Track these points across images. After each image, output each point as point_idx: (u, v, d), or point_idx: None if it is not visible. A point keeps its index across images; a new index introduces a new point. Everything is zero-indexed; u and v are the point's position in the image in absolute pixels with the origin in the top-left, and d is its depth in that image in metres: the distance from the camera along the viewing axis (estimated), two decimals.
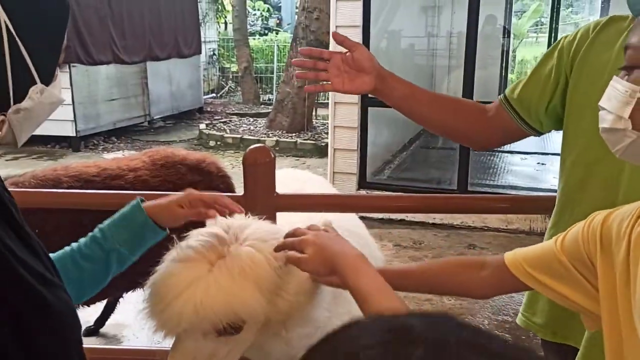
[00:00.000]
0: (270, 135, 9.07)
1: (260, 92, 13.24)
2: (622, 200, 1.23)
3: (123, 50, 9.49)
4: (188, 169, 2.80)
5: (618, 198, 1.31)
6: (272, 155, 1.68)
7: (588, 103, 1.34)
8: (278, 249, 1.19)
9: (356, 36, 5.37)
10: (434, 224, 5.50)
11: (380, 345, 0.49)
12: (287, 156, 8.18)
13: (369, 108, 5.59)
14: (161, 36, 10.41)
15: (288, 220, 1.71)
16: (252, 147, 1.68)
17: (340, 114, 5.66)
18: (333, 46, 5.54)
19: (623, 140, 0.98)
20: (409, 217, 5.54)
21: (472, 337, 0.51)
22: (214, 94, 14.36)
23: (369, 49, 5.33)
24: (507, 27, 9.49)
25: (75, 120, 8.46)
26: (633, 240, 0.92)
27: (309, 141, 8.73)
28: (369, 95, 5.54)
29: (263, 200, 1.69)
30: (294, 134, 9.04)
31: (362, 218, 5.77)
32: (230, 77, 15.12)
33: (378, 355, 0.48)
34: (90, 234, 1.24)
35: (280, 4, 22.65)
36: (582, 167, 1.41)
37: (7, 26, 0.80)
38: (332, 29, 5.54)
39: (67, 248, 1.21)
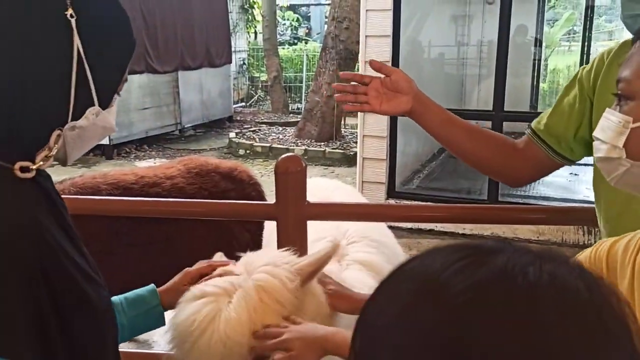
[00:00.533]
0: (299, 144, 9.11)
1: (289, 102, 13.33)
2: None
3: (156, 60, 9.67)
4: (221, 177, 2.85)
5: None
6: (304, 165, 1.70)
7: None
8: (260, 350, 1.14)
9: (386, 46, 5.39)
10: (463, 234, 5.45)
11: (459, 261, 0.49)
12: (315, 165, 8.21)
13: (398, 117, 5.58)
14: (193, 46, 10.58)
15: (317, 229, 1.72)
16: (283, 156, 1.71)
17: (369, 123, 5.66)
18: (362, 55, 5.57)
19: (618, 168, 0.99)
20: (439, 227, 5.51)
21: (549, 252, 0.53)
22: (243, 103, 14.51)
23: (398, 59, 5.30)
24: (538, 35, 9.38)
25: None
26: (637, 269, 0.92)
27: (337, 150, 8.75)
28: None
29: (294, 208, 1.71)
30: (322, 143, 9.07)
31: (390, 227, 5.78)
32: (260, 86, 15.26)
33: (458, 271, 0.49)
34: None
35: (309, 14, 22.79)
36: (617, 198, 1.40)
37: (78, 50, 0.86)
38: (361, 38, 5.56)
39: None
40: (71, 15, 0.85)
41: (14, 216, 0.82)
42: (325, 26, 10.73)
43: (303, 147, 8.86)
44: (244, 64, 15.37)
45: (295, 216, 1.71)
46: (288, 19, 20.23)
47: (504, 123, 5.37)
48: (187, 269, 1.33)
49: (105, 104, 0.94)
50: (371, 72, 5.05)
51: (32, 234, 0.82)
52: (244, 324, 1.13)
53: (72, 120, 0.90)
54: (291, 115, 12.42)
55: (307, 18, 22.49)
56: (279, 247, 1.77)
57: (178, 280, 1.30)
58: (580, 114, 1.46)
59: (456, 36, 8.79)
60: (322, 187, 2.19)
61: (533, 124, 1.55)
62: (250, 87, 15.43)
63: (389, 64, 5.39)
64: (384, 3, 5.35)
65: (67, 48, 0.86)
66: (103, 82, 0.92)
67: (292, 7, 21.26)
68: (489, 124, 5.61)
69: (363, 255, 1.63)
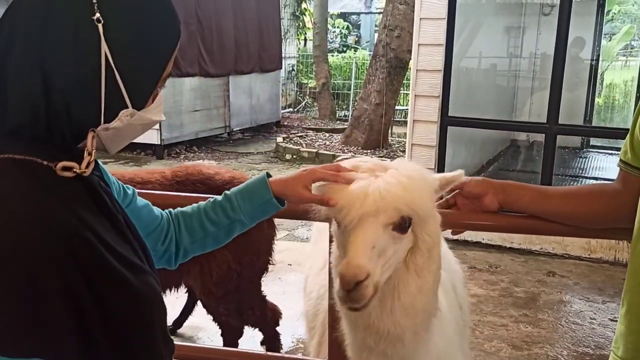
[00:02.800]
0: (346, 150, 9.12)
1: (337, 108, 13.37)
2: None
3: (210, 64, 9.86)
4: (208, 188, 2.70)
5: None
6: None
7: None
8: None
9: (438, 55, 5.35)
10: (511, 248, 5.34)
11: None
12: None
13: (449, 127, 5.53)
14: (246, 51, 10.74)
15: None
16: (339, 158, 1.71)
17: (418, 131, 5.62)
18: (415, 64, 5.54)
19: None
20: (485, 239, 5.41)
21: None
22: (291, 109, 14.63)
23: (450, 68, 5.24)
24: (596, 49, 9.14)
25: (160, 129, 8.84)
26: None
27: (384, 158, 8.72)
28: (449, 114, 5.49)
29: None
30: (369, 151, 9.05)
31: None
32: (308, 92, 15.36)
33: None
34: (214, 199, 1.33)
35: (359, 22, 22.83)
36: None
37: (106, 56, 0.88)
38: (414, 47, 5.54)
39: (193, 208, 1.32)
40: (98, 20, 0.86)
41: (47, 216, 0.83)
42: (376, 34, 10.72)
43: (349, 154, 8.87)
44: (292, 70, 15.50)
45: None
46: (338, 27, 20.33)
47: (558, 136, 5.24)
48: (312, 168, 1.37)
49: (140, 105, 0.95)
50: (421, 81, 4.94)
51: (67, 230, 0.83)
52: (398, 185, 1.25)
53: (104, 122, 0.92)
54: (338, 122, 12.45)
55: (357, 26, 22.53)
56: (331, 247, 1.78)
57: (302, 180, 1.33)
58: None
59: (509, 47, 8.65)
60: None
61: (621, 156, 1.54)
62: (299, 93, 15.55)
63: (441, 73, 5.37)
64: (438, 12, 5.32)
65: (95, 52, 0.88)
66: (136, 85, 0.93)
67: (343, 15, 21.35)
68: (542, 136, 5.50)
69: None
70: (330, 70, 13.67)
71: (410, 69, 6.90)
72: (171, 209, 1.32)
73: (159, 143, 9.02)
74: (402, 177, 1.27)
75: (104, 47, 0.87)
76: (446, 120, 5.47)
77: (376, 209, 1.23)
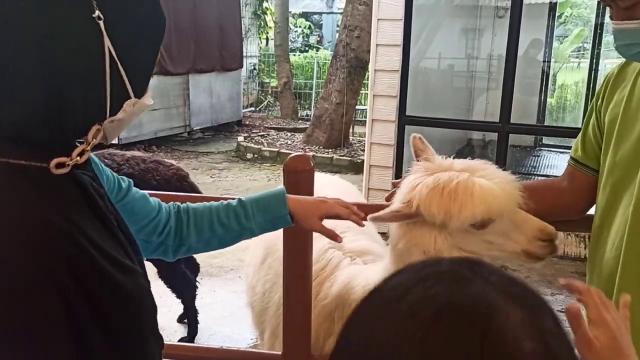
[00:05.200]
0: (307, 150, 9.18)
1: (299, 108, 13.41)
2: None
3: (169, 62, 9.76)
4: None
5: None
6: (312, 164, 1.76)
7: (609, 138, 1.47)
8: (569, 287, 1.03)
9: (396, 55, 5.46)
10: None
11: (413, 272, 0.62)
12: (323, 171, 8.22)
13: (406, 126, 5.64)
14: (206, 50, 10.67)
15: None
16: (292, 155, 1.77)
17: (377, 131, 5.72)
18: (373, 64, 5.64)
19: None
20: None
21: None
22: (252, 108, 14.60)
23: (408, 68, 5.36)
24: (548, 51, 9.44)
25: None
26: None
27: (345, 157, 8.81)
28: (407, 114, 5.61)
29: None
30: (330, 150, 9.13)
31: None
32: (270, 91, 15.36)
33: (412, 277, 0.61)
34: (228, 202, 1.36)
35: (321, 22, 22.92)
36: (609, 193, 1.49)
37: (110, 52, 0.89)
38: (372, 48, 5.63)
39: (205, 207, 1.33)
40: (98, 17, 0.87)
41: (41, 222, 0.82)
42: (337, 34, 10.82)
43: (311, 153, 8.92)
44: (254, 69, 15.47)
45: None
46: (300, 26, 20.36)
47: (510, 136, 5.41)
48: (331, 203, 1.44)
49: (141, 93, 0.97)
50: (379, 81, 5.03)
51: (61, 236, 0.83)
52: (501, 183, 1.48)
53: (110, 115, 0.93)
54: (300, 121, 12.49)
55: (319, 26, 22.61)
56: (285, 243, 1.83)
57: (315, 206, 1.41)
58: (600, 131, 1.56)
59: (466, 48, 8.86)
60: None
61: (572, 154, 1.64)
62: (260, 92, 15.53)
63: (399, 73, 5.48)
64: (395, 13, 5.42)
65: (98, 48, 0.88)
66: (137, 74, 0.95)
67: (305, 15, 21.40)
68: (495, 135, 5.68)
69: (358, 244, 1.91)
70: (292, 70, 13.69)
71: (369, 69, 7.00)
72: (180, 203, 1.34)
73: (117, 143, 8.89)
74: (502, 172, 1.55)
75: (107, 42, 0.88)
76: (404, 120, 5.59)
77: (517, 190, 1.50)
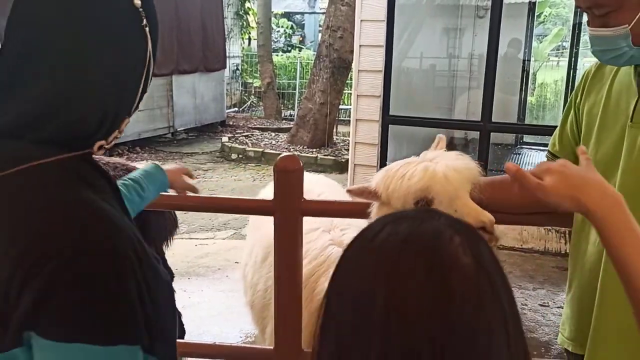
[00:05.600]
0: (292, 150, 9.23)
1: (283, 108, 13.45)
2: None
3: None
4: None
5: None
6: (301, 164, 1.81)
7: (587, 137, 1.52)
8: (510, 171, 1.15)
9: (379, 55, 5.53)
10: None
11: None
12: (307, 171, 8.17)
13: (390, 126, 5.72)
14: (189, 51, 10.67)
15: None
16: (283, 155, 1.82)
17: (361, 130, 5.79)
18: (356, 64, 5.71)
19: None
20: None
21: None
22: (236, 108, 14.61)
23: (391, 69, 5.43)
24: (527, 50, 9.58)
25: None
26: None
27: (329, 157, 8.88)
28: (390, 113, 5.69)
29: (291, 204, 1.83)
30: (314, 150, 9.19)
31: None
32: (253, 92, 15.37)
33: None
34: (123, 181, 1.50)
35: (303, 22, 22.97)
36: None
37: (150, 54, 1.00)
38: (355, 48, 5.70)
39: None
40: (145, 25, 0.97)
41: (107, 216, 0.89)
42: (320, 34, 10.87)
43: (295, 153, 8.97)
44: (237, 69, 15.47)
45: (291, 212, 1.83)
46: (282, 27, 20.39)
47: (492, 134, 5.51)
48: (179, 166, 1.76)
49: (148, 85, 1.06)
50: (363, 81, 5.08)
51: (127, 230, 0.90)
52: (460, 160, 1.51)
53: (135, 108, 1.04)
54: (284, 121, 12.53)
55: (302, 26, 22.65)
56: (276, 241, 1.89)
57: (184, 170, 1.72)
58: (578, 128, 1.60)
59: (448, 48, 8.97)
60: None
61: (549, 148, 1.69)
62: (244, 92, 15.54)
63: (382, 74, 5.55)
64: (377, 14, 5.49)
65: (145, 51, 0.98)
66: (153, 70, 1.04)
67: (287, 15, 21.42)
68: (477, 134, 5.78)
69: None
70: (275, 70, 13.72)
71: (352, 69, 7.06)
72: None
73: None
74: (464, 158, 1.56)
75: (149, 46, 0.99)
76: (387, 119, 5.66)
77: (467, 179, 1.51)
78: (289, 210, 1.83)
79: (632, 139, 1.39)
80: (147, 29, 0.98)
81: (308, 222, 1.93)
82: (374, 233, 0.77)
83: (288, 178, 1.81)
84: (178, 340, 2.02)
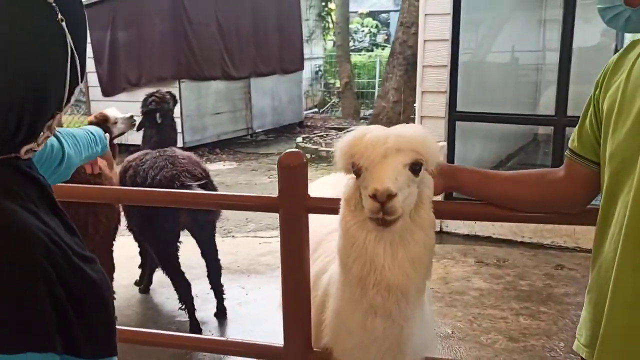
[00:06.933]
0: None
1: (362, 107, 13.40)
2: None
3: (231, 67, 10.03)
4: None
5: None
6: (304, 160, 1.78)
7: (607, 128, 1.40)
8: None
9: (444, 50, 5.36)
10: (522, 242, 5.32)
11: None
12: None
13: (457, 122, 5.53)
14: (266, 53, 10.88)
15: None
16: (286, 151, 1.79)
17: (426, 127, 5.63)
18: (421, 60, 5.57)
19: None
20: (496, 234, 5.40)
21: None
22: (315, 109, 14.73)
23: (457, 63, 5.26)
24: (620, 40, 8.94)
25: (182, 132, 9.06)
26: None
27: None
28: (457, 109, 5.50)
29: (296, 201, 1.79)
30: None
31: (446, 233, 5.64)
32: (335, 92, 15.44)
33: None
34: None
35: (389, 20, 22.78)
36: (609, 184, 1.42)
37: (71, 47, 0.99)
38: (420, 43, 5.56)
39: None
40: (61, 19, 0.96)
41: (22, 224, 0.89)
42: (395, 32, 10.73)
43: None
44: (319, 70, 15.60)
45: (296, 209, 1.80)
46: (367, 26, 20.33)
47: (567, 129, 5.19)
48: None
49: (83, 78, 1.06)
50: (428, 77, 4.93)
51: (43, 237, 0.89)
52: (413, 131, 1.48)
53: (66, 103, 1.02)
54: (362, 121, 12.47)
55: (387, 24, 22.48)
56: (282, 237, 1.86)
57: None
58: (598, 122, 1.49)
59: (533, 40, 8.52)
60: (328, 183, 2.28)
61: (569, 145, 1.58)
62: (325, 93, 15.64)
63: (447, 69, 5.38)
64: (443, 7, 5.33)
65: (62, 47, 0.97)
66: (83, 62, 1.03)
67: (372, 14, 21.35)
68: (551, 129, 5.47)
69: None
70: (356, 70, 13.69)
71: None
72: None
73: (182, 146, 9.23)
74: (413, 128, 1.51)
75: (69, 41, 0.98)
76: (454, 115, 5.48)
77: (397, 147, 1.41)
78: (293, 207, 1.80)
79: None
80: (63, 23, 0.96)
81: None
82: None
83: (292, 174, 1.78)
84: (191, 335, 2.07)
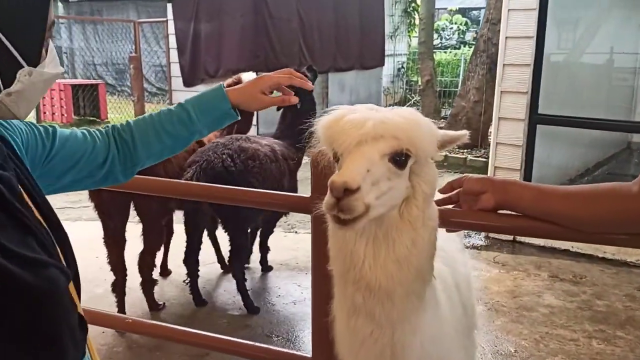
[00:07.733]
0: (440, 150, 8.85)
1: (444, 106, 13.00)
2: None
3: (310, 61, 10.01)
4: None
5: None
6: None
7: None
8: None
9: (527, 48, 5.03)
10: (603, 258, 4.90)
11: None
12: (454, 172, 7.87)
13: (538, 125, 5.18)
14: (346, 48, 10.77)
15: None
16: (318, 150, 1.66)
17: (504, 130, 5.33)
18: (502, 58, 5.25)
19: None
20: (574, 247, 5.01)
21: None
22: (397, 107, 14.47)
23: (541, 61, 4.94)
24: None
25: (257, 125, 9.13)
26: None
27: (480, 158, 8.35)
28: (539, 112, 5.15)
29: None
30: (465, 150, 8.72)
31: (520, 243, 5.33)
32: (417, 90, 15.09)
33: None
34: (168, 110, 1.37)
35: (479, 18, 22.07)
36: None
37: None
38: (501, 40, 5.26)
39: (146, 121, 1.34)
40: None
41: None
42: (480, 29, 10.30)
43: (444, 153, 8.58)
44: (402, 67, 15.30)
45: None
46: (456, 23, 19.79)
47: None
48: (263, 74, 1.48)
49: (35, 61, 0.96)
50: (508, 76, 4.64)
51: None
52: (398, 118, 1.23)
53: (5, 87, 0.93)
54: (442, 120, 12.09)
55: (477, 22, 21.79)
56: (313, 241, 1.74)
57: (259, 87, 1.45)
58: None
59: (619, 42, 7.89)
60: None
61: None
62: (407, 90, 15.32)
63: (531, 68, 5.04)
64: (528, 2, 4.99)
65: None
66: (24, 41, 0.93)
67: (462, 11, 20.78)
68: None
69: None
70: (440, 68, 13.29)
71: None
72: (118, 125, 1.35)
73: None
74: (403, 112, 1.27)
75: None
76: (535, 118, 5.14)
77: (375, 134, 1.21)
78: None
79: None
80: None
81: None
82: None
83: (326, 172, 1.64)
84: (221, 337, 2.00)
